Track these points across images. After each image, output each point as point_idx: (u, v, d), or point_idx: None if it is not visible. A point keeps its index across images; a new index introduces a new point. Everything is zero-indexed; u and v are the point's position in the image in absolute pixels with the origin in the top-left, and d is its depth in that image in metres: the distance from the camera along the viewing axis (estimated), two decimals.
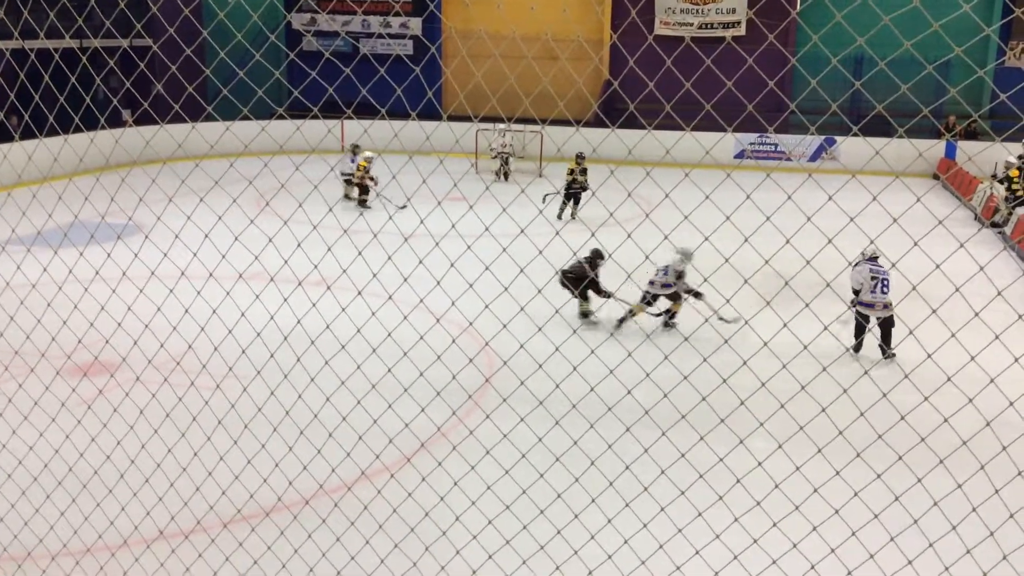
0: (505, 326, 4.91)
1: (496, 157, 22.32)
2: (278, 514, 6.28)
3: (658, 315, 10.96)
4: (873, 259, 10.49)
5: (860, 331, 10.77)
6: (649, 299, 10.43)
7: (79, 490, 6.15)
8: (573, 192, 17.82)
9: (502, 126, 22.12)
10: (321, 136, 21.37)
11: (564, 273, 10.57)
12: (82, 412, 7.68)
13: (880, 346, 10.52)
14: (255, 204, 13.96)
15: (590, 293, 10.80)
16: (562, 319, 4.67)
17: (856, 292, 10.70)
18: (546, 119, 22.65)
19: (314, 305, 5.32)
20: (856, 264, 10.68)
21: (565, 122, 22.26)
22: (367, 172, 18.62)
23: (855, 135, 22.17)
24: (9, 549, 5.97)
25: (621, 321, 10.28)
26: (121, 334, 7.54)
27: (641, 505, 5.06)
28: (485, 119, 23.53)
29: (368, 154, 18.95)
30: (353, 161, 18.56)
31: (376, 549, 5.35)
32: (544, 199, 16.62)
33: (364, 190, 18.62)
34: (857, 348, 10.91)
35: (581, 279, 10.31)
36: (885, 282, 10.47)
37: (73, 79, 5.06)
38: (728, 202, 4.70)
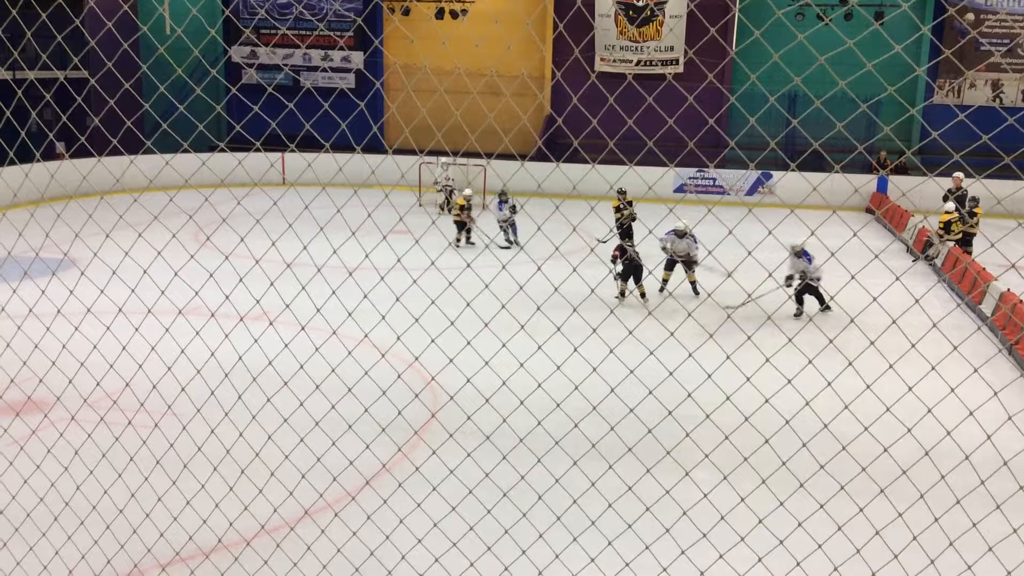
0: (452, 360, 4.87)
1: (441, 191, 22.36)
2: (218, 555, 6.11)
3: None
4: (804, 253, 13.19)
5: (800, 300, 13.84)
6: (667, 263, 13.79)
7: (11, 534, 5.92)
8: (625, 228, 17.17)
9: (445, 160, 22.19)
10: (264, 170, 21.19)
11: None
12: (14, 452, 7.42)
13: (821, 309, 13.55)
14: (195, 238, 13.72)
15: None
16: (509, 353, 4.69)
17: (790, 277, 13.50)
18: (491, 153, 22.82)
19: (256, 341, 5.23)
20: (792, 256, 13.60)
21: (509, 156, 22.44)
22: (467, 210, 18.71)
23: (792, 170, 22.76)
24: None
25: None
26: (55, 372, 7.32)
27: (589, 539, 5.05)
28: (430, 152, 23.62)
29: (468, 192, 19.25)
30: (501, 207, 18.85)
31: None
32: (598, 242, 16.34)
33: (462, 227, 18.81)
34: (799, 313, 13.77)
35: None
36: (814, 266, 13.32)
37: (8, 112, 4.93)
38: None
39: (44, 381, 6.28)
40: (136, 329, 5.48)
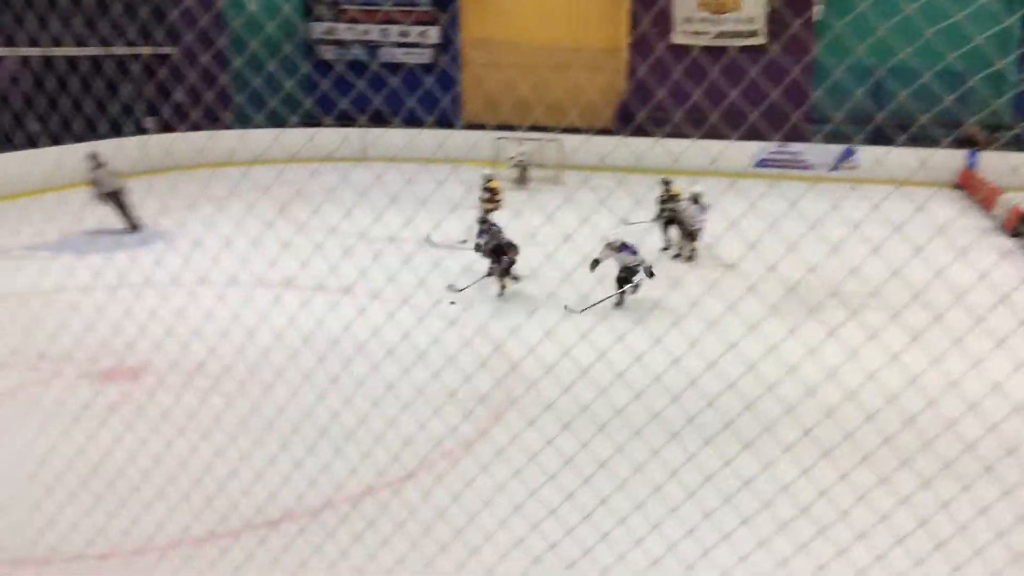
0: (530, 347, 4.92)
1: (515, 166, 22.35)
2: (294, 520, 6.30)
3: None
4: (624, 246, 12.04)
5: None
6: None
7: (103, 492, 6.22)
8: (666, 218, 15.47)
9: (520, 134, 22.14)
10: (346, 145, 21.50)
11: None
12: (107, 415, 7.78)
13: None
14: (279, 212, 13.99)
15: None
16: (585, 327, 4.67)
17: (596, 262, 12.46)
18: (564, 127, 22.67)
19: (362, 313, 5.35)
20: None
21: (584, 130, 22.27)
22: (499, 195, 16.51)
23: (880, 144, 22.07)
24: (32, 551, 6.00)
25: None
26: (146, 338, 7.62)
27: (683, 516, 5.04)
28: (502, 127, 23.55)
29: (488, 172, 17.02)
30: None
31: (394, 554, 5.34)
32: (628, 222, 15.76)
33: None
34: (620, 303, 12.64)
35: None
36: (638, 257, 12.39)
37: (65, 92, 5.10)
38: (751, 211, 4.69)
39: (139, 348, 6.54)
40: (215, 299, 5.64)
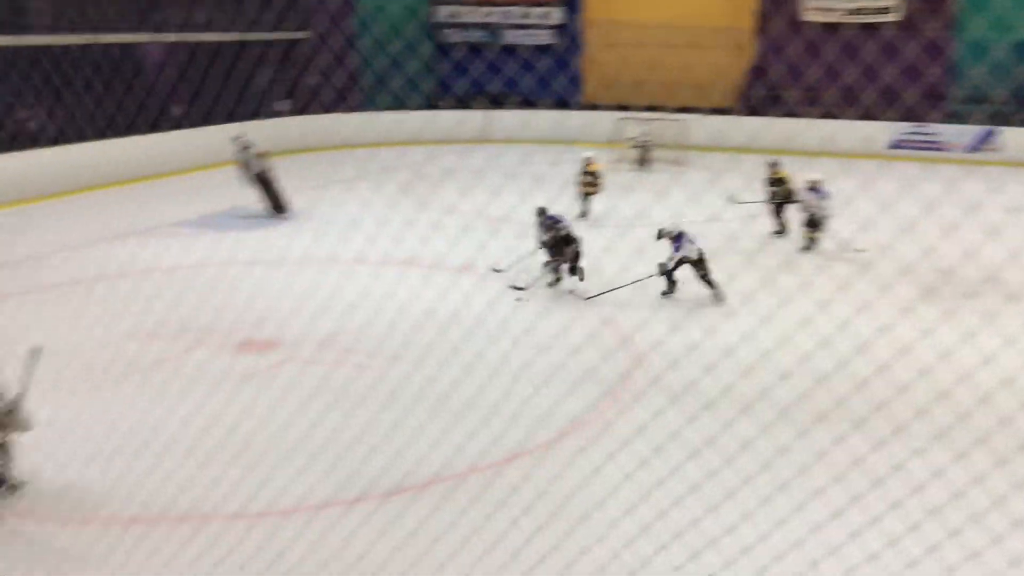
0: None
1: (635, 147, 22.15)
2: (426, 489, 6.50)
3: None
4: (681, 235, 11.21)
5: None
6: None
7: (238, 455, 6.59)
8: (777, 202, 14.65)
9: (642, 115, 21.92)
10: (467, 126, 21.81)
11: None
12: (245, 385, 8.22)
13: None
14: (404, 191, 14.33)
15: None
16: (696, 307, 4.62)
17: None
18: (686, 107, 22.29)
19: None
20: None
21: (707, 110, 21.86)
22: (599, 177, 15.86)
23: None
24: (170, 511, 6.41)
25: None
26: (277, 312, 7.98)
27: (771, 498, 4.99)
28: (625, 108, 23.35)
29: (588, 154, 16.15)
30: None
31: (523, 526, 5.39)
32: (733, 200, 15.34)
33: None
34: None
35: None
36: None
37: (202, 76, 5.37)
38: (883, 193, 4.56)
39: (274, 322, 6.86)
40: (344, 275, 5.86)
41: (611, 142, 22.69)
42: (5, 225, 11.90)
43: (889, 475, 5.11)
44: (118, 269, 11.92)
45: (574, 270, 11.49)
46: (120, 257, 12.23)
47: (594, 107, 25.10)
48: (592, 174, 15.96)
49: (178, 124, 19.70)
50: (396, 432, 5.50)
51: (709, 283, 11.03)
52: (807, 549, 4.70)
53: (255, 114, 20.86)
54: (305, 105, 23.75)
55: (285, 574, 5.18)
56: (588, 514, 4.96)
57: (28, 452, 6.89)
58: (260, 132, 19.63)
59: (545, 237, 11.68)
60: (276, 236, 14.04)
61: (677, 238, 11.05)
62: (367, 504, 6.02)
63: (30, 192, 16.51)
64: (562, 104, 25.96)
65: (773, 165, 14.91)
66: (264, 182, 15.76)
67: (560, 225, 11.51)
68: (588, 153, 16.13)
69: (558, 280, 11.62)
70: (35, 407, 6.61)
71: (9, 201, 15.81)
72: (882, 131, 22.95)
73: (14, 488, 6.66)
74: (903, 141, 23.39)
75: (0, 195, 15.64)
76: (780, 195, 14.65)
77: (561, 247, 11.49)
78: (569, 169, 16.95)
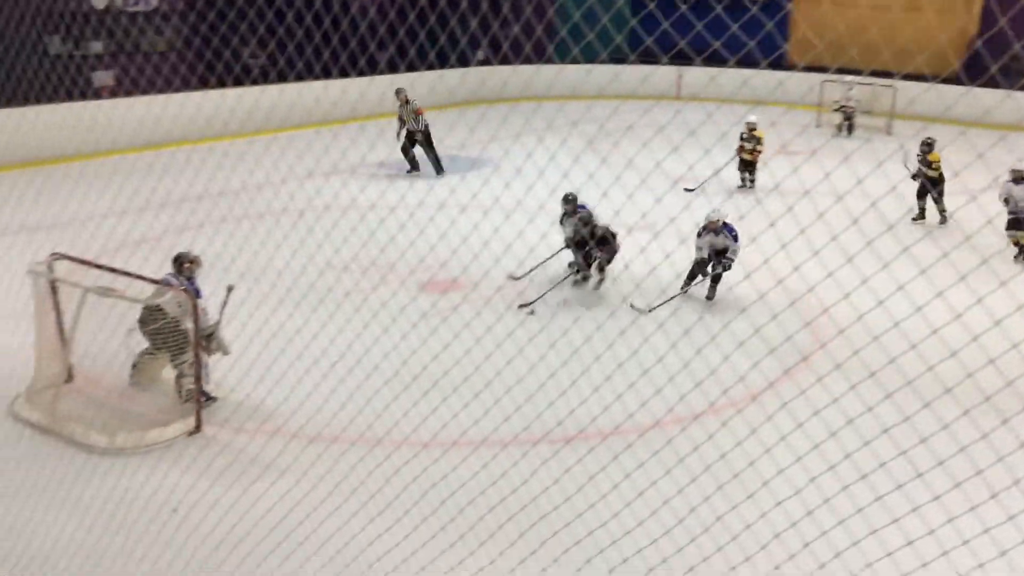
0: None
1: (838, 111, 21.06)
2: (586, 440, 6.67)
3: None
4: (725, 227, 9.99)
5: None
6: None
7: (415, 388, 7.01)
8: (921, 182, 13.54)
9: (848, 78, 20.74)
10: (649, 80, 21.50)
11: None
12: (425, 321, 8.66)
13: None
14: (591, 146, 14.44)
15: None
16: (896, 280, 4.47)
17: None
18: (901, 74, 20.86)
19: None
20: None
21: (922, 77, 20.41)
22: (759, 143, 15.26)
23: None
24: (348, 432, 6.91)
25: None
26: (464, 257, 8.33)
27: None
28: (829, 70, 22.20)
29: (753, 119, 15.32)
30: None
31: (704, 484, 5.41)
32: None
33: (750, 166, 15.25)
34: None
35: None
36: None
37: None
38: None
39: (454, 264, 7.14)
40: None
41: (814, 106, 21.69)
42: (231, 153, 13.02)
43: None
44: (323, 204, 12.76)
45: (601, 268, 10.23)
46: (325, 193, 13.08)
47: (798, 68, 24.02)
48: (756, 139, 15.17)
49: (384, 69, 20.52)
50: (580, 382, 5.62)
51: (714, 282, 9.99)
52: (1013, 558, 4.44)
53: (455, 62, 21.43)
54: (502, 56, 24.14)
55: (452, 500, 5.45)
56: (769, 482, 4.91)
57: (227, 368, 7.63)
58: (458, 81, 20.21)
59: (570, 231, 10.38)
60: (467, 182, 14.56)
61: (720, 229, 9.87)
62: (543, 448, 6.23)
63: (249, 126, 17.81)
64: (760, 63, 24.98)
65: (928, 145, 13.57)
66: (425, 140, 15.88)
67: (591, 219, 10.01)
68: (752, 117, 15.26)
69: (586, 279, 10.39)
70: (236, 327, 7.26)
71: (231, 133, 17.12)
72: None
73: (213, 400, 7.41)
74: None
75: (224, 127, 16.95)
76: (927, 178, 13.33)
77: (585, 246, 10.17)
78: (773, 133, 16.40)
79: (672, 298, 9.74)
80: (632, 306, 9.50)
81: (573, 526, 5.31)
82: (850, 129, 20.83)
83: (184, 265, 7.43)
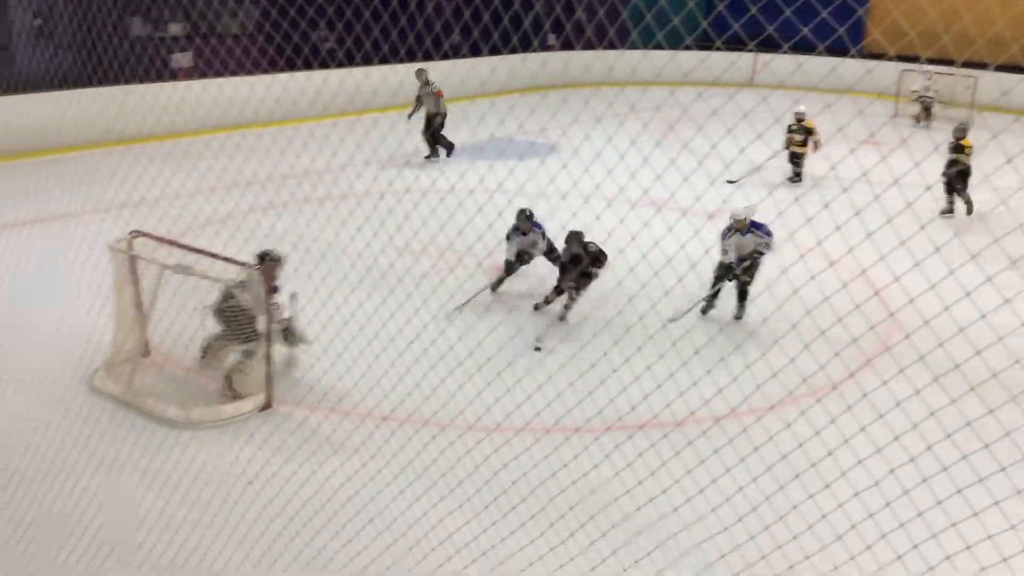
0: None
1: (917, 100, 20.52)
2: (660, 427, 6.69)
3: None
4: (755, 225, 8.97)
5: None
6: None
7: (483, 373, 7.09)
8: (950, 175, 12.89)
9: (928, 67, 20.17)
10: (732, 67, 21.19)
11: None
12: (497, 306, 8.69)
13: None
14: (657, 133, 14.35)
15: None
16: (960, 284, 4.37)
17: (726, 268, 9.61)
18: (983, 64, 20.20)
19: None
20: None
21: (1009, 68, 19.74)
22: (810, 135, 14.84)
23: None
24: (418, 414, 6.99)
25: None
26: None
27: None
28: (910, 59, 21.62)
29: (802, 109, 14.81)
30: None
31: (778, 474, 5.38)
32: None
33: (798, 158, 14.80)
34: None
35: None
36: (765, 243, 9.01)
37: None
38: None
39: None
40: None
41: (892, 96, 21.18)
42: (318, 135, 13.30)
43: None
44: (404, 187, 12.95)
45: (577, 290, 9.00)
46: (406, 177, 13.27)
47: (877, 56, 23.43)
48: (808, 131, 14.61)
49: (451, 55, 20.65)
50: (654, 369, 5.60)
51: (741, 298, 9.13)
52: None
53: (526, 47, 21.44)
54: (583, 41, 24.08)
55: (518, 485, 5.48)
56: (846, 474, 4.87)
57: (301, 348, 7.78)
58: (533, 65, 20.15)
59: (515, 250, 9.52)
60: (544, 167, 14.55)
61: (749, 228, 8.91)
62: (616, 434, 6.27)
63: (317, 109, 18.06)
64: (842, 51, 24.44)
65: (963, 130, 12.97)
66: (439, 125, 15.76)
67: (578, 236, 8.85)
68: (801, 107, 14.68)
69: (548, 302, 9.15)
70: (315, 306, 7.38)
71: (303, 117, 17.41)
72: None
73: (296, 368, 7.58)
74: None
75: (295, 111, 17.22)
76: (956, 168, 12.68)
77: (569, 265, 9.03)
78: (839, 119, 16.03)
79: (689, 309, 8.94)
80: (671, 320, 8.59)
81: (645, 510, 5.33)
82: (928, 119, 20.31)
83: (265, 261, 7.43)
